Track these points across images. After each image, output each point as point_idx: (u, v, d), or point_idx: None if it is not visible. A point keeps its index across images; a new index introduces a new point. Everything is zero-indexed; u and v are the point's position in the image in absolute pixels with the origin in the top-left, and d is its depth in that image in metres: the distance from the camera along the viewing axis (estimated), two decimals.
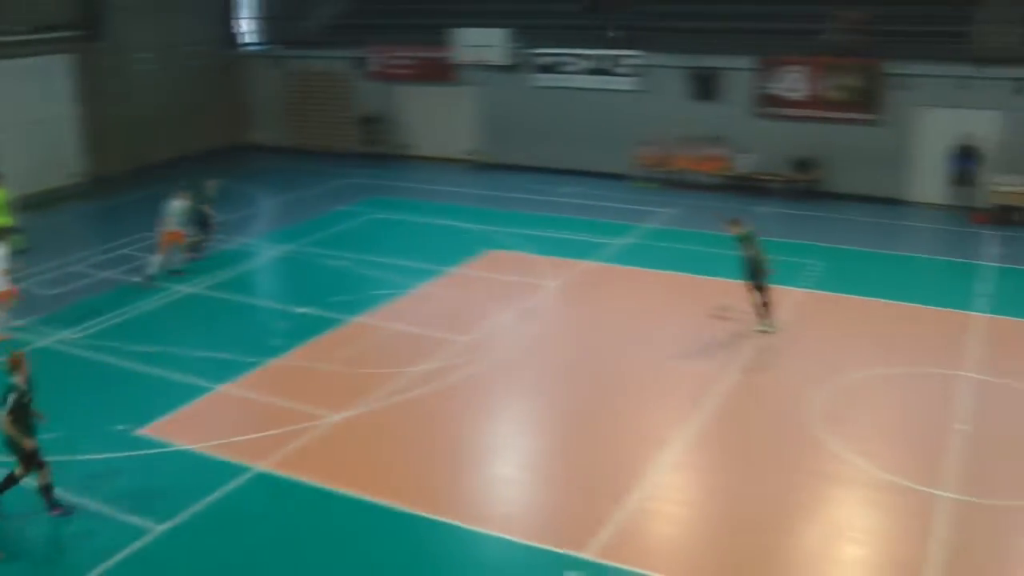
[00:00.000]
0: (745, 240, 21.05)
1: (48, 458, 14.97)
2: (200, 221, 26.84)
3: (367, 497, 15.03)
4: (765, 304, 21.11)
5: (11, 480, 14.60)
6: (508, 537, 13.98)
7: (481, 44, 36.59)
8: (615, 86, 34.96)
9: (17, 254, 24.27)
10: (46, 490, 14.67)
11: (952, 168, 30.53)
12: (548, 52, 36.01)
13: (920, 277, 25.15)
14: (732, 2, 35.47)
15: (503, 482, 15.62)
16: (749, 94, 33.04)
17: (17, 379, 14.30)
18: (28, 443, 14.28)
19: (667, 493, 15.14)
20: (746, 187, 32.85)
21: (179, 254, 25.92)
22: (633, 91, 34.66)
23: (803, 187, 32.16)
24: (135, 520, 14.64)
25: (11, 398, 14.13)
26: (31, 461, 14.44)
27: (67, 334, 21.90)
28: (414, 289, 24.06)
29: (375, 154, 39.17)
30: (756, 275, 20.90)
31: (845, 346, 20.45)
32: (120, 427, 17.37)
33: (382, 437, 16.98)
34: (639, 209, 30.95)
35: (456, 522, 14.37)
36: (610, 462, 15.98)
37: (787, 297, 22.67)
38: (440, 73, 38.19)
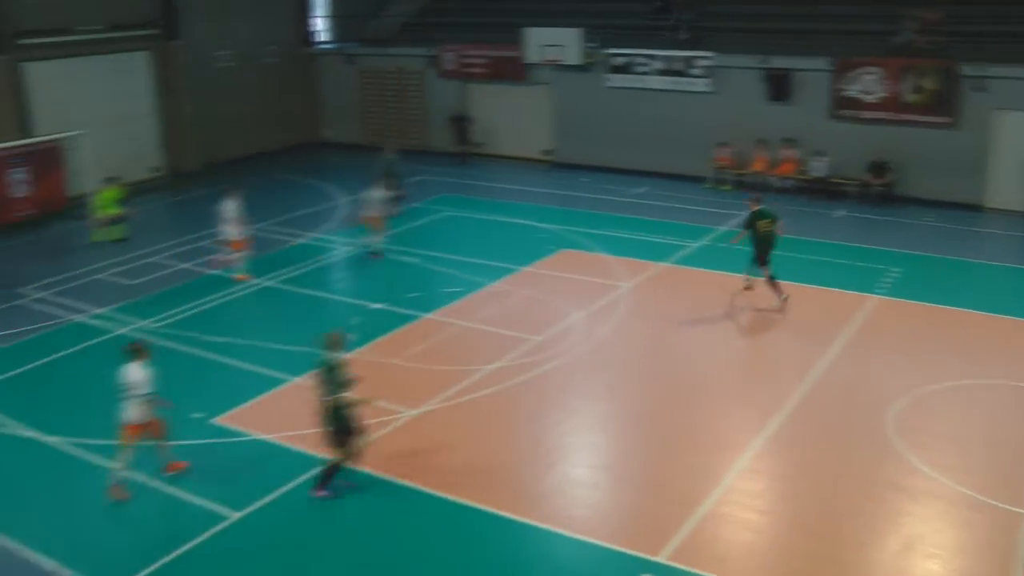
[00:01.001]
0: (762, 216, 22.02)
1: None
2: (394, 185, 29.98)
3: (438, 493, 15.13)
4: (772, 278, 22.07)
5: (336, 468, 15.06)
6: (581, 538, 13.98)
7: (554, 44, 36.53)
8: (688, 87, 34.77)
9: (118, 242, 28.40)
10: (332, 470, 15.05)
11: None
12: (621, 52, 35.91)
13: (999, 286, 24.64)
14: (806, 2, 35.13)
15: (577, 482, 15.59)
16: (824, 96, 32.70)
17: (337, 356, 14.71)
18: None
19: (741, 498, 15.00)
20: (820, 190, 32.52)
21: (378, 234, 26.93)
22: (706, 92, 34.47)
23: (878, 191, 31.78)
24: (212, 506, 14.95)
25: (344, 375, 14.59)
26: (350, 438, 14.91)
27: (146, 323, 22.32)
28: (487, 287, 24.15)
29: (448, 152, 39.26)
30: (765, 251, 21.98)
31: (922, 355, 20.11)
32: (197, 415, 17.67)
33: (455, 434, 17.05)
34: (713, 212, 30.74)
35: (529, 521, 14.40)
36: (684, 465, 15.93)
37: (863, 304, 22.48)
38: (513, 72, 38.23)
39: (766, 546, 13.97)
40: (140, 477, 15.76)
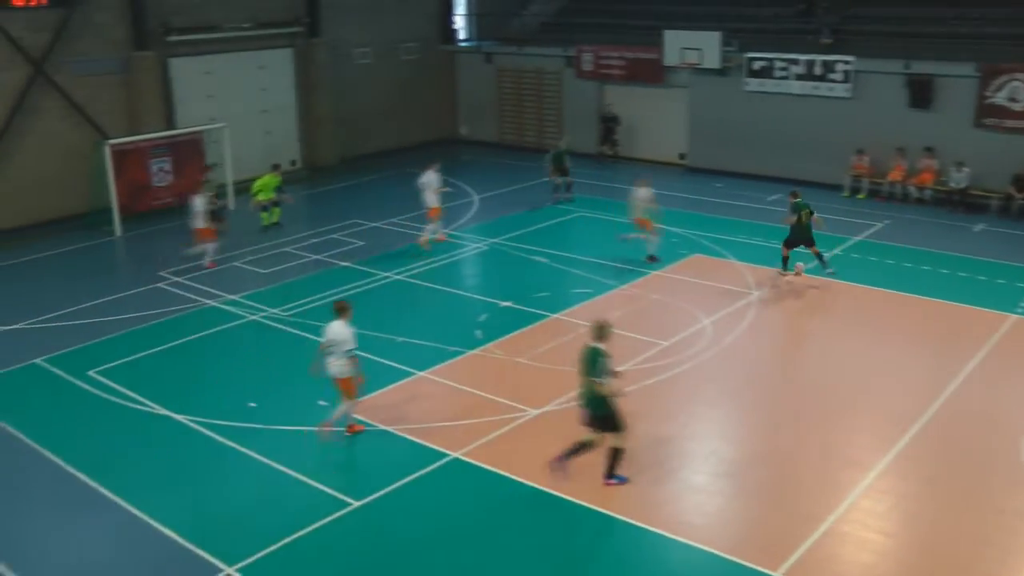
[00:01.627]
0: (800, 208, 23.93)
1: (264, 426, 15.79)
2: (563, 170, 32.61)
3: (558, 493, 15.09)
4: (819, 254, 24.17)
5: (617, 453, 15.27)
6: (698, 546, 13.80)
7: (692, 46, 36.19)
8: (828, 92, 33.98)
9: (272, 227, 30.11)
10: (615, 455, 15.26)
11: None
12: (760, 56, 35.36)
13: None
14: (953, 4, 34.11)
15: (697, 489, 15.40)
16: (967, 103, 31.66)
17: (604, 345, 14.85)
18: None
19: (864, 518, 14.53)
20: (959, 203, 31.51)
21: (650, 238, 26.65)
22: (845, 98, 33.69)
23: (1021, 205, 30.67)
24: (333, 492, 15.22)
25: (605, 364, 14.65)
26: (618, 423, 15.06)
27: (276, 311, 22.86)
28: (616, 290, 24.03)
29: (584, 153, 39.01)
30: (803, 238, 24.12)
31: None
32: (323, 403, 17.90)
33: (577, 435, 16.89)
34: (848, 221, 29.96)
35: (645, 525, 14.29)
36: (807, 479, 15.58)
37: (1001, 323, 21.67)
38: (651, 74, 37.95)
39: (887, 569, 13.51)
40: (267, 460, 16.18)
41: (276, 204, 30.23)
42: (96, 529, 14.65)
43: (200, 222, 26.20)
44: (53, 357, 20.78)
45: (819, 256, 24.11)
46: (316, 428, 16.74)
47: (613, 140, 39.24)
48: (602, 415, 14.78)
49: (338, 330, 16.43)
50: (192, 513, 14.87)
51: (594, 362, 14.60)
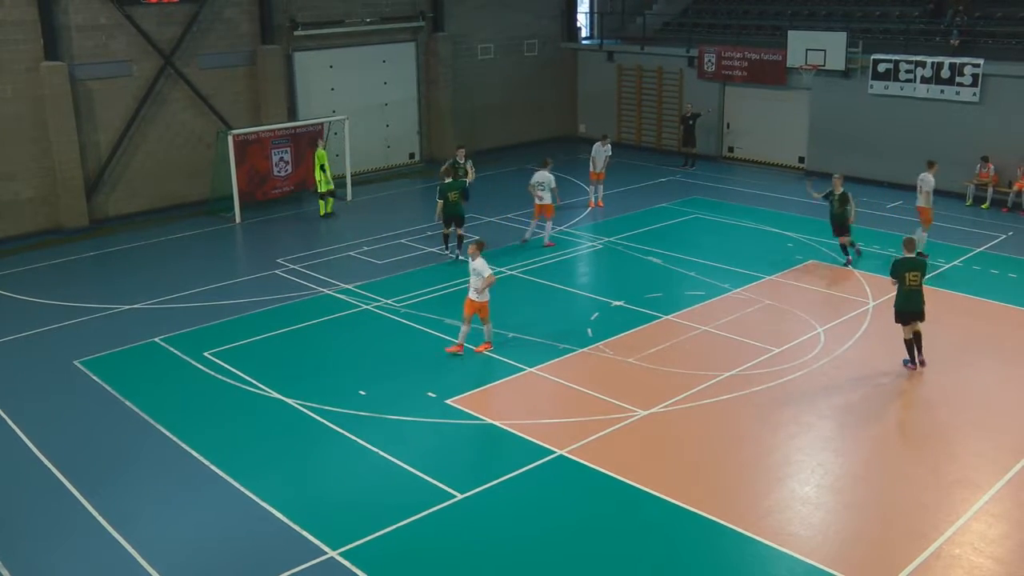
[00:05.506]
0: (452, 188, 25.85)
1: (373, 414, 16.05)
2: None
3: (659, 494, 14.99)
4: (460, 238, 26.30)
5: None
6: (802, 558, 13.49)
7: (816, 48, 35.59)
8: (954, 96, 33.01)
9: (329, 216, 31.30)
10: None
11: None
12: (885, 58, 34.55)
13: None
14: None
15: (803, 501, 15.05)
16: None
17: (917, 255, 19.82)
18: None
19: (974, 542, 13.93)
20: None
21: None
22: (972, 103, 32.72)
23: None
24: (438, 484, 15.29)
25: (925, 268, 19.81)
26: None
27: (389, 301, 23.15)
28: (729, 293, 23.72)
29: (700, 155, 38.74)
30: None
31: None
32: (431, 394, 18.12)
33: (683, 438, 16.87)
34: (970, 232, 29.10)
35: (749, 533, 14.07)
36: (916, 498, 15.10)
37: None
38: (773, 76, 37.37)
39: None
40: (375, 448, 16.38)
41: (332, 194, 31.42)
42: (204, 504, 15.00)
43: (548, 198, 27.21)
44: (171, 337, 21.39)
45: (460, 239, 26.11)
46: (476, 349, 20.26)
47: (691, 141, 38.52)
48: (923, 310, 18.91)
49: (478, 263, 19.61)
50: (298, 495, 15.13)
51: (927, 268, 19.03)
